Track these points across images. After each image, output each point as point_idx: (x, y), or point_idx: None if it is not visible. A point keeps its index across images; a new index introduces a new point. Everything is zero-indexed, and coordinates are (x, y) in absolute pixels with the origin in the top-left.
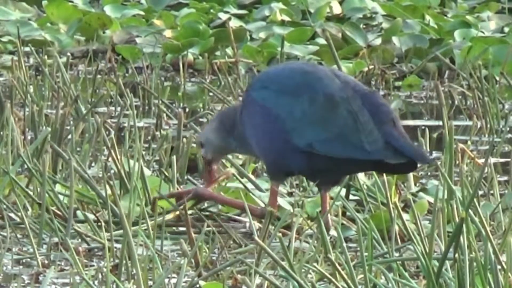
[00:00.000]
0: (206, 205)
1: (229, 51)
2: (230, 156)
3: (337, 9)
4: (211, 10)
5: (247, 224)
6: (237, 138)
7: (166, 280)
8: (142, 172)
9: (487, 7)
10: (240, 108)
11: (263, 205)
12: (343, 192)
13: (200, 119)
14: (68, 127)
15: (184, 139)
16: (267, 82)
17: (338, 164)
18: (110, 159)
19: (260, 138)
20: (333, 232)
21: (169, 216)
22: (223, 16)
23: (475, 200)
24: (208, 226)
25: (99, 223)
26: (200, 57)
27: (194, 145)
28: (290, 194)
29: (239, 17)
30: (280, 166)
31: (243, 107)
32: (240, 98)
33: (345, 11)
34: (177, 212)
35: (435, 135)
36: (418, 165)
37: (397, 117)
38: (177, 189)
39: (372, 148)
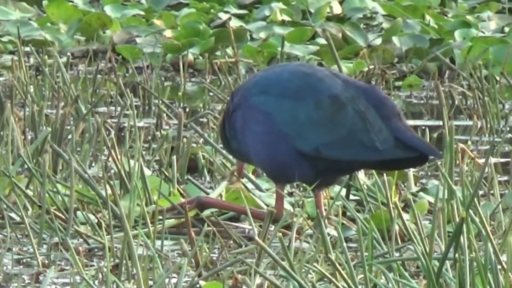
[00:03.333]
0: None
1: (229, 51)
2: (230, 156)
3: (337, 9)
4: (211, 10)
5: (247, 230)
6: (227, 142)
7: (167, 280)
8: (142, 172)
9: (487, 7)
10: (230, 110)
11: (264, 207)
12: (343, 192)
13: (200, 119)
14: (68, 127)
15: (184, 139)
16: (267, 87)
17: (345, 166)
18: (110, 159)
19: (259, 145)
20: (333, 232)
21: (173, 222)
22: (223, 16)
23: (475, 200)
24: (208, 226)
25: (99, 223)
26: (200, 57)
27: (194, 145)
28: (290, 194)
29: (239, 17)
30: (281, 174)
31: (236, 111)
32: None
33: (345, 11)
34: (181, 220)
35: (435, 135)
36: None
37: (401, 111)
38: (177, 189)
39: (384, 147)
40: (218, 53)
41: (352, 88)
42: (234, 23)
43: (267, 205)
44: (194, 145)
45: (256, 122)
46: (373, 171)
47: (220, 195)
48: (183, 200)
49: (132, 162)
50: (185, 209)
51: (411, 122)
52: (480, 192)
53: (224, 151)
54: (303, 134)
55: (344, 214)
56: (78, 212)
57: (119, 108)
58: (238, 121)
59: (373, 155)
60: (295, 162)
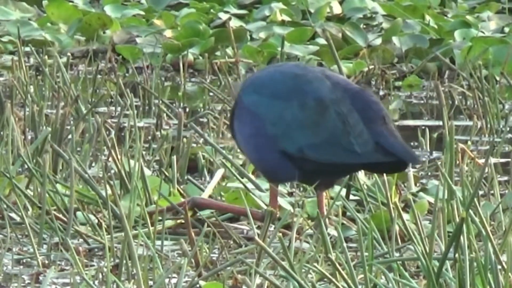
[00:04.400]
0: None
1: (229, 51)
2: (230, 156)
3: (337, 9)
4: (211, 10)
5: (245, 231)
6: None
7: (167, 280)
8: (142, 172)
9: (487, 7)
10: (232, 109)
11: (264, 207)
12: (343, 192)
13: (200, 119)
14: (69, 127)
15: (185, 139)
16: (258, 87)
17: (328, 168)
18: (110, 159)
19: (249, 144)
20: (333, 232)
21: (170, 223)
22: (223, 16)
23: (475, 200)
24: (208, 226)
25: (99, 223)
26: (200, 57)
27: (194, 145)
28: (290, 194)
29: (239, 17)
30: (270, 174)
31: (233, 112)
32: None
33: (345, 11)
34: (178, 221)
35: (435, 135)
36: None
37: (388, 114)
38: (177, 189)
39: (362, 150)
40: (218, 53)
41: (340, 90)
42: (234, 23)
43: (267, 205)
44: (194, 145)
45: (246, 122)
46: None
47: (219, 195)
48: (183, 200)
49: (132, 162)
50: (185, 209)
51: (411, 122)
52: (480, 192)
53: (224, 151)
54: (288, 135)
55: (344, 214)
56: (78, 212)
57: (119, 108)
58: (235, 121)
59: (352, 158)
60: (282, 162)
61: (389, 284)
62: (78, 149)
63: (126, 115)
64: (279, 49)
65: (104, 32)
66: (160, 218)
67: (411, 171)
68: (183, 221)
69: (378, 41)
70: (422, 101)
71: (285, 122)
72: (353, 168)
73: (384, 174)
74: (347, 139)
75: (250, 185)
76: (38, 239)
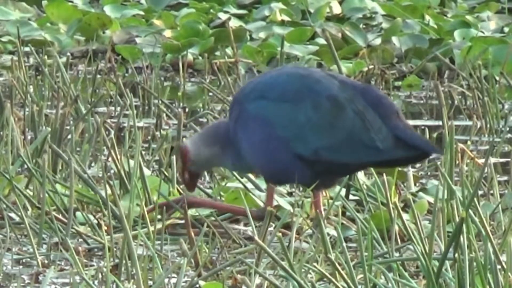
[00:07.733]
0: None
1: (229, 51)
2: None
3: (337, 9)
4: (211, 10)
5: (241, 231)
6: (232, 155)
7: (166, 280)
8: (142, 172)
9: (487, 7)
10: (232, 122)
11: (262, 205)
12: (343, 192)
13: (200, 119)
14: (68, 127)
15: (184, 139)
16: (264, 91)
17: (345, 167)
18: (110, 159)
19: (258, 150)
20: (333, 232)
21: (167, 223)
22: (223, 16)
23: (475, 200)
24: (208, 226)
25: (99, 223)
26: (200, 57)
27: None
28: (290, 194)
29: (239, 17)
30: (281, 178)
31: (236, 121)
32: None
33: (345, 11)
34: (171, 221)
35: (435, 135)
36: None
37: (399, 108)
38: (177, 189)
39: (384, 146)
40: (217, 53)
41: (350, 88)
42: (234, 23)
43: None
44: None
45: (254, 130)
46: (373, 171)
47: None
48: (174, 198)
49: (131, 162)
50: (185, 209)
51: (410, 122)
52: (480, 192)
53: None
54: (301, 138)
55: (343, 214)
56: (78, 213)
57: (118, 108)
58: (238, 132)
59: (374, 156)
60: (295, 165)
61: (389, 284)
62: (78, 149)
63: (126, 115)
64: (279, 49)
65: (103, 32)
66: (159, 217)
67: (410, 171)
68: (178, 220)
69: (378, 41)
70: (421, 101)
71: (298, 124)
72: (372, 165)
73: (384, 174)
74: (368, 136)
75: (249, 185)
76: (38, 239)
